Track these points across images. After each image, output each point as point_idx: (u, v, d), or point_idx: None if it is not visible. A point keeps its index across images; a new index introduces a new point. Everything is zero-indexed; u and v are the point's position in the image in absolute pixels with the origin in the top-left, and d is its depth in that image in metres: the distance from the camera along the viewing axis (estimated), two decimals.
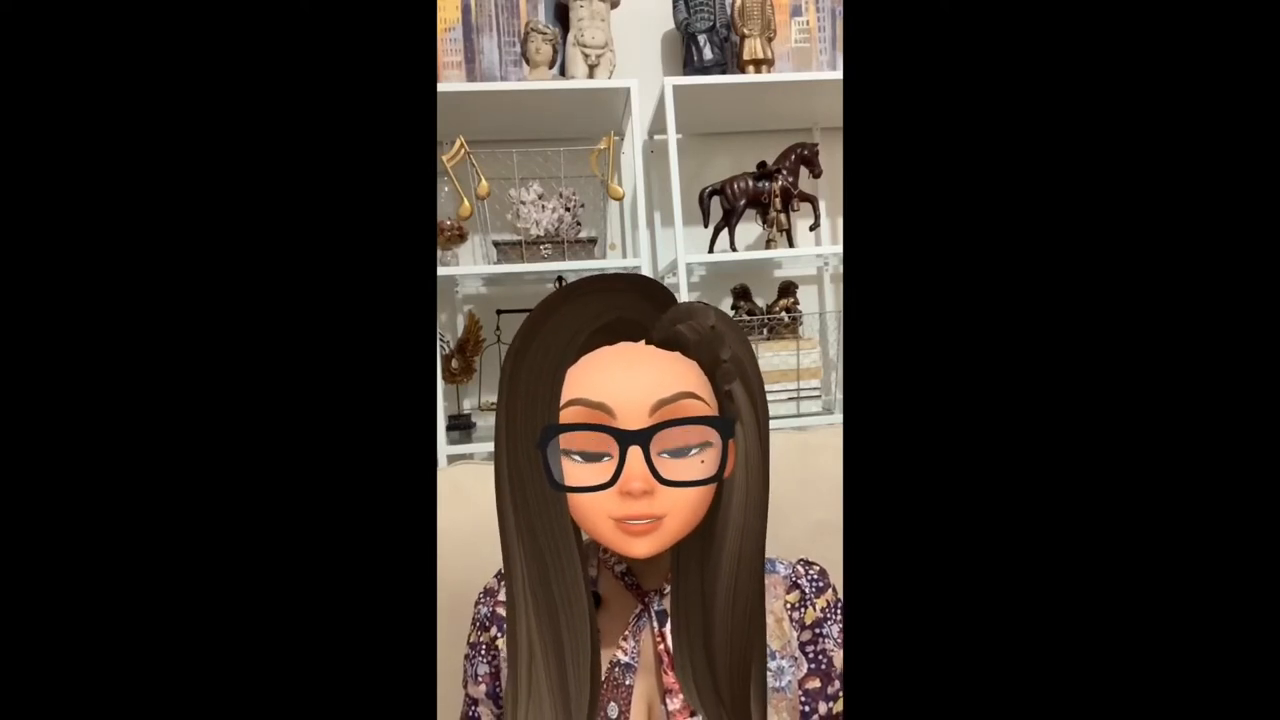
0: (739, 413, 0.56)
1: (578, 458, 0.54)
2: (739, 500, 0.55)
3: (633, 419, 0.53)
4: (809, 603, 0.64)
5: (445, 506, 0.82)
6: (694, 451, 0.54)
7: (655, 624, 0.61)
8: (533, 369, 0.55)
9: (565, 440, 0.54)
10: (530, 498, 0.55)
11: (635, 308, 0.57)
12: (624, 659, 0.60)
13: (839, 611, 0.64)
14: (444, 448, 1.43)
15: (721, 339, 0.55)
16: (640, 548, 0.53)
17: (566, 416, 0.54)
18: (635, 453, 0.52)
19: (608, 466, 0.53)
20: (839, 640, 0.63)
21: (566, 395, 0.54)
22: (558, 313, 0.56)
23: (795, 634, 0.63)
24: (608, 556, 0.63)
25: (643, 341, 0.57)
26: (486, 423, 1.66)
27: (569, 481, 0.54)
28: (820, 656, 0.63)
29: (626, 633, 0.61)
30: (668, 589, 0.61)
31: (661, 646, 0.60)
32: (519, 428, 0.55)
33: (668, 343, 0.57)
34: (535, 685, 0.54)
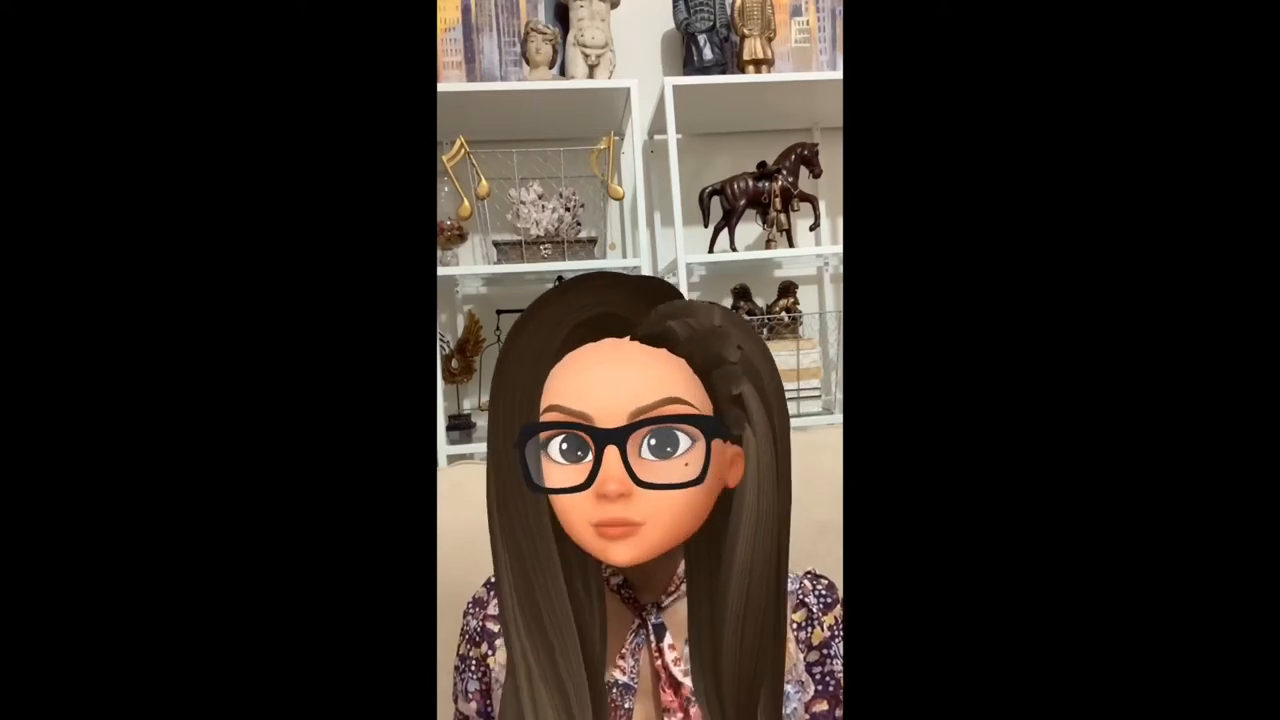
0: (750, 418, 0.52)
1: (558, 458, 0.52)
2: (749, 511, 0.51)
3: (611, 420, 0.50)
4: (816, 621, 0.61)
5: (445, 506, 0.82)
6: (679, 453, 0.51)
7: (653, 639, 0.58)
8: (515, 367, 0.53)
9: (545, 438, 0.52)
10: (511, 500, 0.53)
11: (624, 303, 0.54)
12: (622, 679, 0.58)
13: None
14: (444, 448, 1.44)
15: (726, 338, 0.52)
16: (619, 554, 0.50)
17: (546, 420, 0.52)
18: (612, 453, 0.49)
19: (586, 467, 0.50)
20: None
21: (547, 399, 0.52)
22: (545, 309, 0.54)
23: (802, 655, 0.61)
24: (604, 569, 0.60)
25: (627, 338, 0.54)
26: (486, 423, 1.66)
27: (548, 483, 0.52)
28: (828, 678, 0.61)
29: (624, 650, 0.59)
30: (665, 601, 0.59)
31: (659, 663, 0.58)
32: (502, 427, 0.53)
33: (654, 339, 0.53)
34: (537, 699, 0.51)
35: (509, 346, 0.54)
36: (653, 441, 0.51)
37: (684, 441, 0.51)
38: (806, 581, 0.63)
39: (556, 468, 0.52)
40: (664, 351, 0.53)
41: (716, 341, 0.52)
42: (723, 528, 0.53)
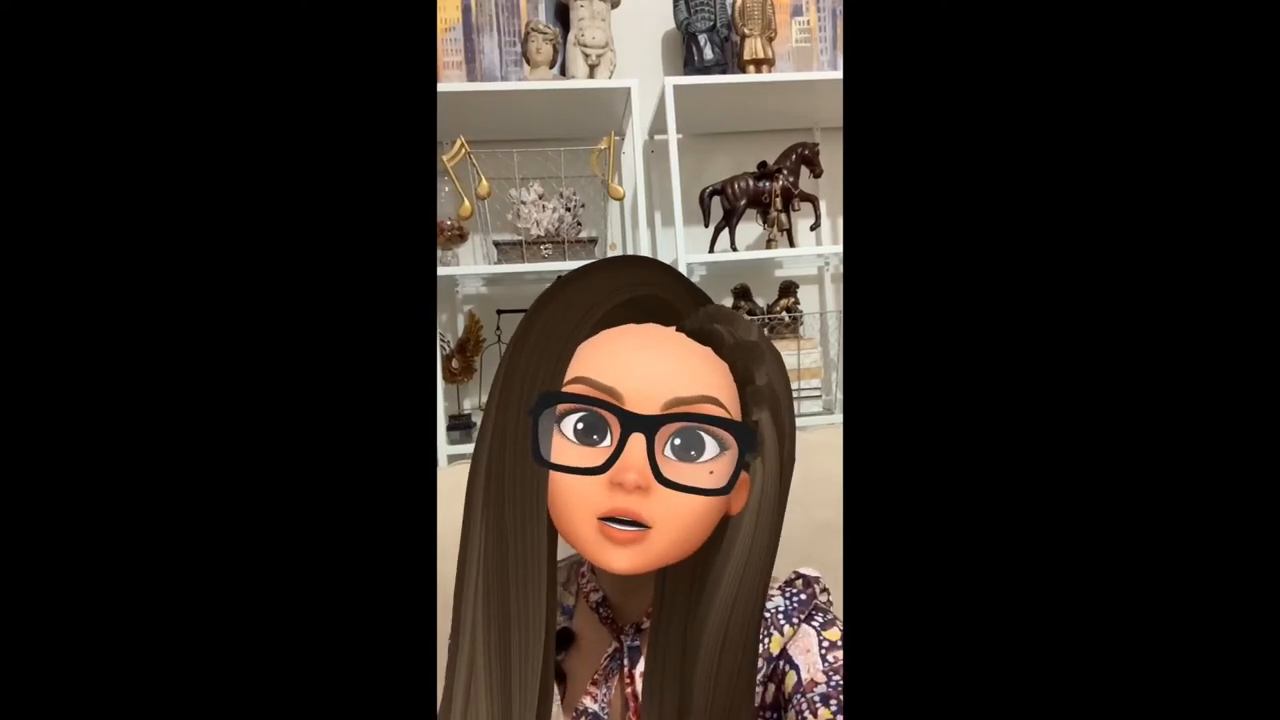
0: (762, 446, 0.49)
1: (571, 436, 0.47)
2: (743, 541, 0.48)
3: (643, 407, 0.46)
4: (780, 631, 0.54)
5: (445, 506, 0.82)
6: (704, 459, 0.47)
7: (627, 663, 0.54)
8: (545, 331, 0.48)
9: (563, 412, 0.47)
10: (508, 469, 0.47)
11: (674, 292, 0.51)
12: (593, 707, 0.54)
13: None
14: (444, 448, 1.44)
15: (761, 358, 0.49)
16: (620, 560, 0.46)
17: (570, 391, 0.47)
18: (637, 440, 0.45)
19: (604, 451, 0.46)
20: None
21: (575, 370, 0.47)
22: (587, 277, 0.49)
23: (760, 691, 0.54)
24: (585, 583, 0.57)
25: (674, 328, 0.51)
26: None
27: (556, 461, 0.47)
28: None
29: (597, 676, 0.54)
30: (645, 624, 0.54)
31: (630, 690, 0.53)
32: (516, 392, 0.48)
33: (700, 335, 0.50)
34: (474, 687, 0.46)
35: (539, 310, 0.49)
36: (677, 441, 0.47)
37: (710, 448, 0.47)
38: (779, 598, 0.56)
39: (567, 446, 0.47)
40: (709, 350, 0.50)
41: (753, 358, 0.49)
42: (711, 554, 0.49)
